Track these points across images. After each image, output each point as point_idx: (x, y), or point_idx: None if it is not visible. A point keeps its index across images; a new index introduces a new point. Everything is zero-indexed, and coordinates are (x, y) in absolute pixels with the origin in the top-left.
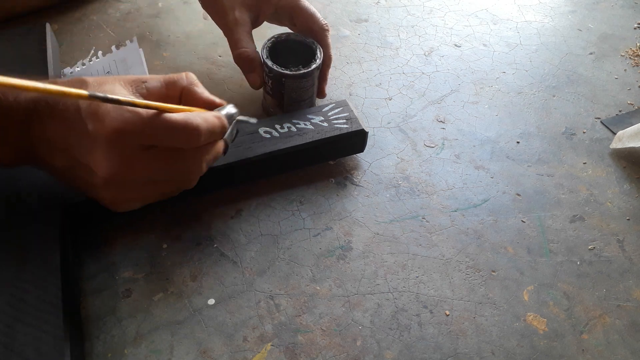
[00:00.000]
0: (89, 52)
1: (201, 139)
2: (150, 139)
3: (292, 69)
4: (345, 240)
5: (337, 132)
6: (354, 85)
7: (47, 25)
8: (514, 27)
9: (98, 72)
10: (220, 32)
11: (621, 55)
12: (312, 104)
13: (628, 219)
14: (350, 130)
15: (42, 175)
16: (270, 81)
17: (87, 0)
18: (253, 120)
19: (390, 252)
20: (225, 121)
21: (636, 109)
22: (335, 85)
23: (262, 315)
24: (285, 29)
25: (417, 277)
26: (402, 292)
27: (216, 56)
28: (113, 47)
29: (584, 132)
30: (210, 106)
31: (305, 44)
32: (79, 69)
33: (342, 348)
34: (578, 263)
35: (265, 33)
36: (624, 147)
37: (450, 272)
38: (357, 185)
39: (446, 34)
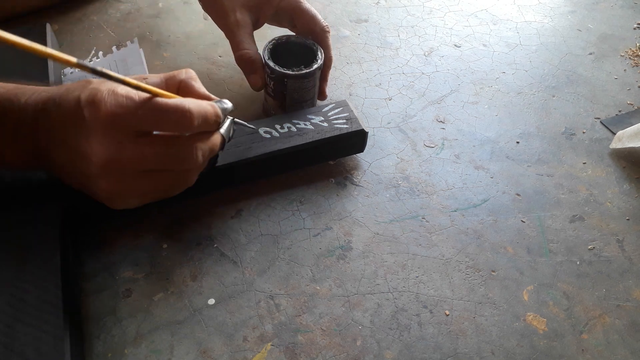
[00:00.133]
0: (90, 52)
1: (194, 123)
2: (143, 122)
3: (294, 69)
4: (345, 240)
5: (337, 132)
6: (354, 86)
7: (47, 26)
8: (514, 27)
9: None
10: (220, 32)
11: (621, 56)
12: (313, 105)
13: (628, 219)
14: (350, 131)
15: (42, 175)
16: (272, 82)
17: (88, 1)
18: (250, 126)
19: (390, 252)
20: (219, 110)
21: (636, 109)
22: (335, 86)
23: (262, 315)
24: (286, 31)
25: (417, 277)
26: (402, 292)
27: (216, 56)
28: (113, 48)
29: (583, 132)
30: (206, 100)
31: (305, 46)
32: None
33: (342, 348)
34: (578, 263)
35: (266, 34)
36: (624, 147)
37: (450, 272)
38: (357, 185)
39: (446, 34)
